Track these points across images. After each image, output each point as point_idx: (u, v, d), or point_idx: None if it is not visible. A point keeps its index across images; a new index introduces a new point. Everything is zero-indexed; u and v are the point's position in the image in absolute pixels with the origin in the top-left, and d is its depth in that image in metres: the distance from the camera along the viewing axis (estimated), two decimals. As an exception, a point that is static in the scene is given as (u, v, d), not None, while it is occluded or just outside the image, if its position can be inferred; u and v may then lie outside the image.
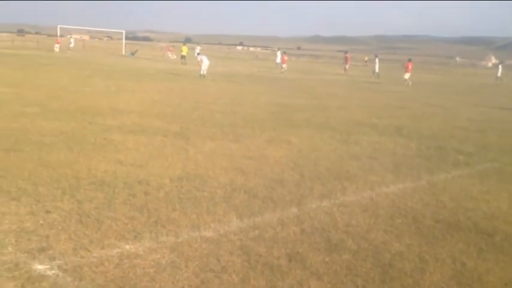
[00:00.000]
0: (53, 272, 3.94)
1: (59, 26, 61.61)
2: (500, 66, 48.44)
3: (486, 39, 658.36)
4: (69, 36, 56.16)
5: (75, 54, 49.04)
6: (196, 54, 30.49)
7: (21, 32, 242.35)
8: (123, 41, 70.00)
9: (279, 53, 47.86)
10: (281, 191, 6.63)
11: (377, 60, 43.85)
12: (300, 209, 5.93)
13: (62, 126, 10.06)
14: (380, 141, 10.92)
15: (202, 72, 27.78)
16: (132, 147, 8.60)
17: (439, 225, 5.71)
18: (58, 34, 58.09)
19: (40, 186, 6.02)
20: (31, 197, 5.62)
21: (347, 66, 45.63)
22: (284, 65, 42.58)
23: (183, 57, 45.20)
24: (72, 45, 56.97)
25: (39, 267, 4.00)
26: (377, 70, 42.29)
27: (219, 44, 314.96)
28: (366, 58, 44.84)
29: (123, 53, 61.94)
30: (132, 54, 59.06)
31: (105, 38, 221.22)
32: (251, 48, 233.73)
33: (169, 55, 57.69)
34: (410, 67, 34.81)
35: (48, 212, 5.23)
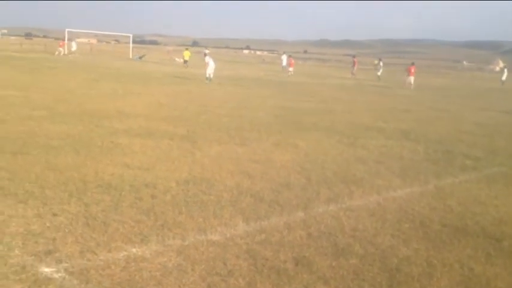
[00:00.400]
0: (60, 274, 3.95)
1: (66, 30, 61.96)
2: (505, 70, 48.25)
3: (494, 43, 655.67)
4: (63, 41, 55.84)
5: (78, 57, 49.15)
6: (203, 55, 30.60)
7: (29, 35, 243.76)
8: (131, 45, 70.29)
9: (284, 57, 47.92)
10: (287, 194, 6.62)
11: (381, 63, 44.03)
12: (306, 213, 5.92)
13: (69, 130, 10.10)
14: (387, 145, 10.88)
15: (208, 76, 27.81)
16: (139, 151, 8.62)
17: (446, 230, 5.68)
18: (66, 38, 58.32)
19: (47, 189, 6.04)
20: (38, 200, 5.64)
21: (354, 70, 45.64)
22: (291, 68, 42.69)
23: (185, 61, 45.83)
24: (74, 48, 57.12)
25: (46, 270, 4.01)
26: (379, 73, 42.50)
27: (226, 47, 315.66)
28: (376, 62, 44.76)
29: (131, 56, 62.20)
30: (140, 58, 59.33)
31: (113, 42, 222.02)
32: (258, 52, 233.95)
33: (176, 59, 57.96)
34: (413, 71, 34.98)
35: (55, 214, 5.24)
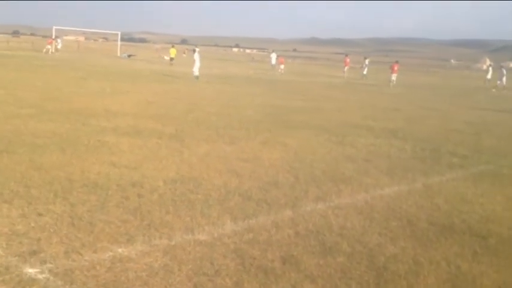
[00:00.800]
0: (44, 275, 3.89)
1: (54, 27, 61.44)
2: (490, 69, 48.68)
3: (482, 42, 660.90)
4: (51, 39, 55.42)
5: (62, 55, 48.64)
6: (192, 51, 30.53)
7: (16, 33, 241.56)
8: (119, 43, 69.85)
9: (273, 55, 47.96)
10: (276, 193, 6.60)
11: (366, 62, 44.41)
12: (294, 211, 5.90)
13: (56, 128, 10.00)
14: (375, 144, 10.91)
15: (195, 74, 27.76)
16: (126, 149, 8.55)
17: (433, 228, 5.69)
18: (53, 35, 57.81)
19: (32, 189, 5.97)
20: (23, 200, 5.57)
21: (346, 69, 45.81)
22: (282, 66, 42.81)
23: (171, 59, 45.80)
24: (59, 46, 56.67)
25: (30, 270, 3.95)
26: (365, 72, 42.89)
27: (215, 45, 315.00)
28: (367, 60, 44.96)
29: (119, 54, 61.86)
30: (128, 56, 59.11)
31: (101, 39, 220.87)
32: (247, 50, 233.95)
33: (165, 57, 57.84)
34: (396, 68, 35.60)
35: (40, 214, 5.18)
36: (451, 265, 4.68)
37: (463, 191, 7.46)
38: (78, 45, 79.62)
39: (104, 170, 7.03)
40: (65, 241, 4.55)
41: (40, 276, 3.87)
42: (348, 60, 46.36)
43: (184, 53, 68.85)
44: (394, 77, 34.88)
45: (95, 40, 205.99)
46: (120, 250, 4.43)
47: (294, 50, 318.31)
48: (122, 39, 77.81)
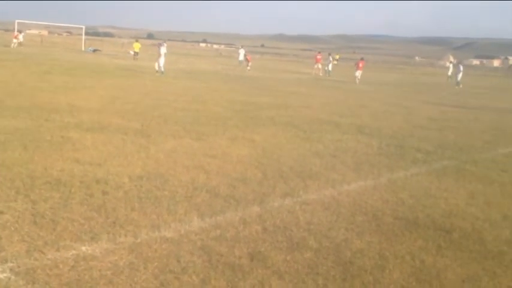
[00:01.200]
0: (5, 275, 3.77)
1: (16, 21, 59.85)
2: (451, 66, 50.01)
3: (446, 40, 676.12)
4: (17, 32, 54.14)
5: (27, 49, 47.44)
6: (158, 45, 30.08)
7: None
8: (83, 37, 68.53)
9: (241, 51, 47.81)
10: (243, 189, 6.58)
11: (330, 58, 45.00)
12: (262, 207, 5.90)
13: (18, 124, 9.72)
14: (342, 140, 11.02)
15: (161, 69, 27.45)
16: (90, 146, 8.38)
17: (398, 223, 5.78)
18: (15, 29, 56.31)
19: (-8, 186, 5.78)
20: (-18, 198, 5.39)
21: (316, 66, 46.10)
22: (250, 63, 42.80)
23: (135, 53, 45.00)
24: (21, 39, 55.41)
25: (-10, 270, 3.82)
26: (330, 69, 43.48)
27: (183, 40, 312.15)
28: (337, 57, 45.27)
29: (83, 48, 60.70)
30: (93, 51, 58.13)
31: (65, 34, 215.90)
32: (215, 46, 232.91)
33: (131, 52, 57.10)
34: (361, 65, 36.18)
35: (0, 212, 5.02)
36: (415, 259, 4.76)
37: (427, 185, 7.61)
38: (41, 39, 77.69)
39: (67, 167, 6.87)
40: (27, 239, 4.42)
41: (1, 276, 3.75)
42: (319, 57, 46.70)
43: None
44: (358, 73, 35.42)
45: (58, 34, 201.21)
46: (83, 248, 4.33)
47: (262, 45, 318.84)
48: (87, 34, 76.39)
